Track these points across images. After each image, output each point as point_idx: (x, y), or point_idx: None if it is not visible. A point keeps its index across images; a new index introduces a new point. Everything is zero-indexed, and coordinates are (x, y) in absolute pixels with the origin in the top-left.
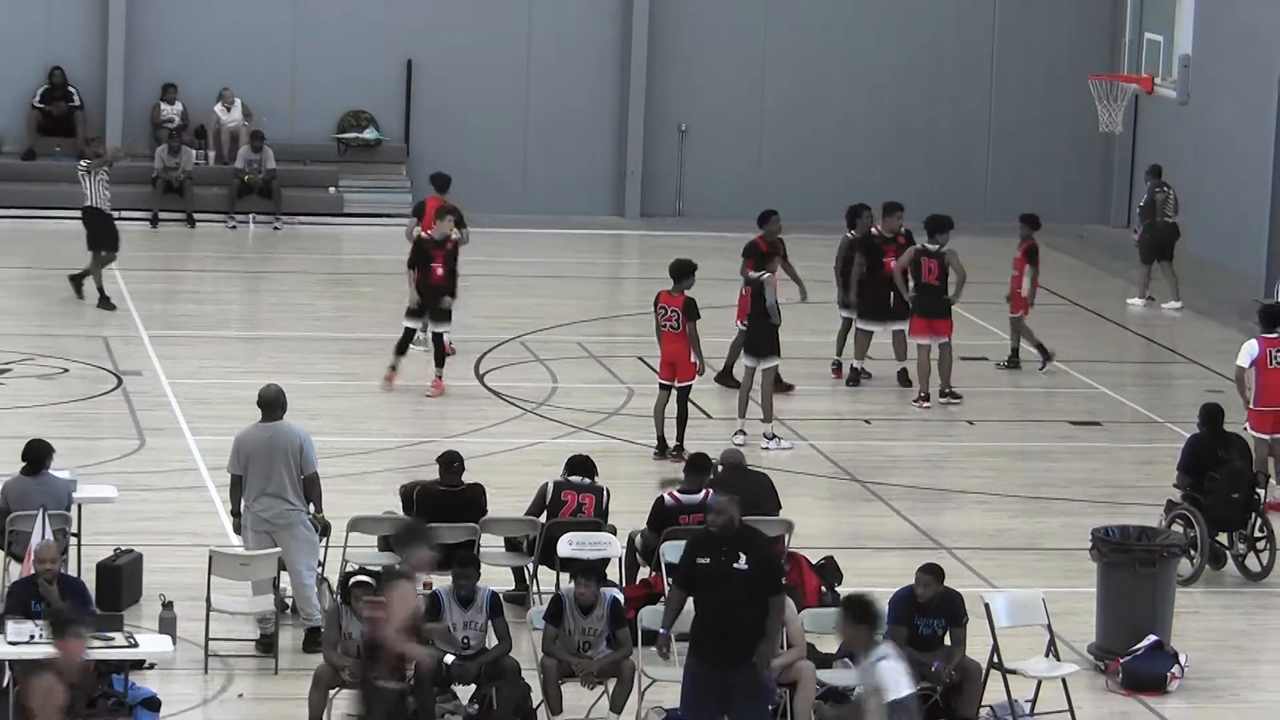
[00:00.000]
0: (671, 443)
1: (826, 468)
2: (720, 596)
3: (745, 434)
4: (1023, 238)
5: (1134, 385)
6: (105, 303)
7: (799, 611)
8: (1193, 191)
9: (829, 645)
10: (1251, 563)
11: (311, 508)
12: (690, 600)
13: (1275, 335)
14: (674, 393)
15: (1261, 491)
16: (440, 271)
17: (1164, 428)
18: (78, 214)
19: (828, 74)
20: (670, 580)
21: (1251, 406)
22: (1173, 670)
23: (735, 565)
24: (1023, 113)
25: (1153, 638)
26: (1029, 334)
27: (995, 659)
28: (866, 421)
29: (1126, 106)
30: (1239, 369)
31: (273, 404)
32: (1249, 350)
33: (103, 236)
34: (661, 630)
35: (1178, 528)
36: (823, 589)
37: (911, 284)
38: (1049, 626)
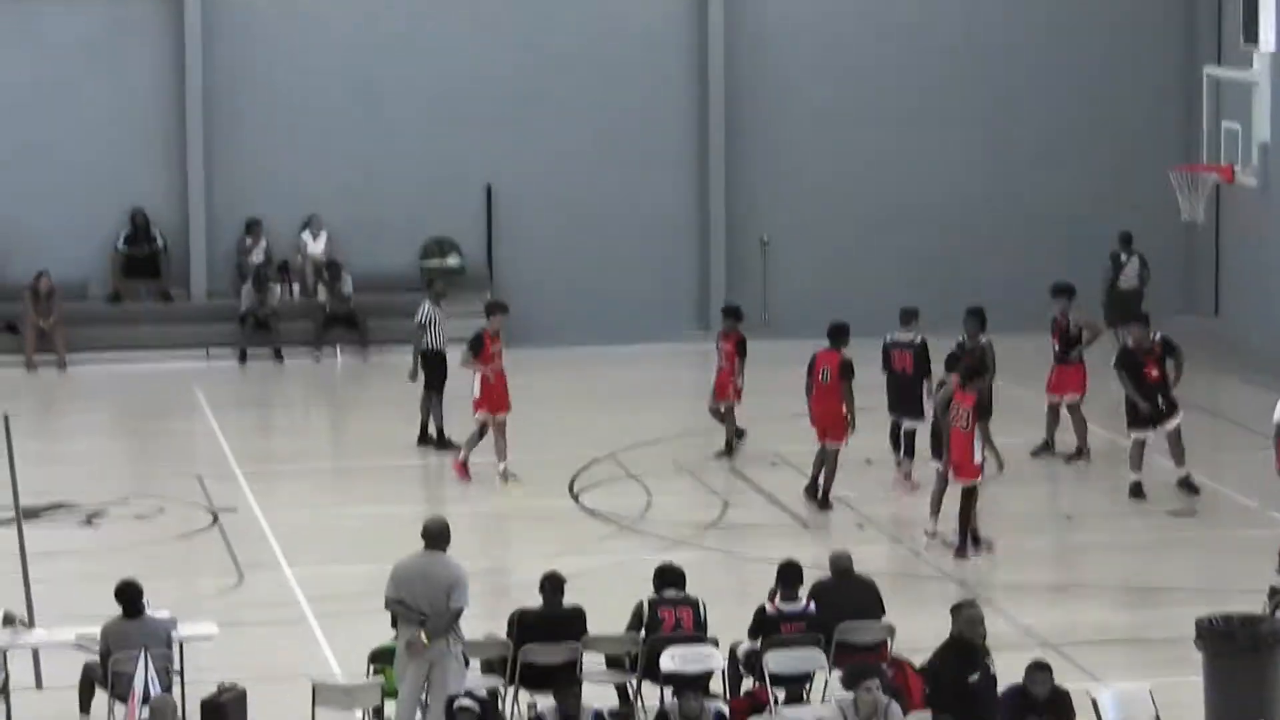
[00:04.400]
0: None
1: (930, 570)
2: (992, 707)
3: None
4: (727, 331)
5: (1229, 474)
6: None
7: (904, 716)
8: (1274, 278)
9: None
10: None
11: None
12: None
13: None
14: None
15: None
16: None
17: (1263, 515)
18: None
19: (907, 175)
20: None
21: None
22: None
23: (994, 673)
24: (1100, 204)
25: None
26: (732, 421)
27: None
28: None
29: (1208, 196)
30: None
31: (437, 536)
32: None
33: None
34: None
35: None
36: (927, 692)
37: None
38: (1158, 719)
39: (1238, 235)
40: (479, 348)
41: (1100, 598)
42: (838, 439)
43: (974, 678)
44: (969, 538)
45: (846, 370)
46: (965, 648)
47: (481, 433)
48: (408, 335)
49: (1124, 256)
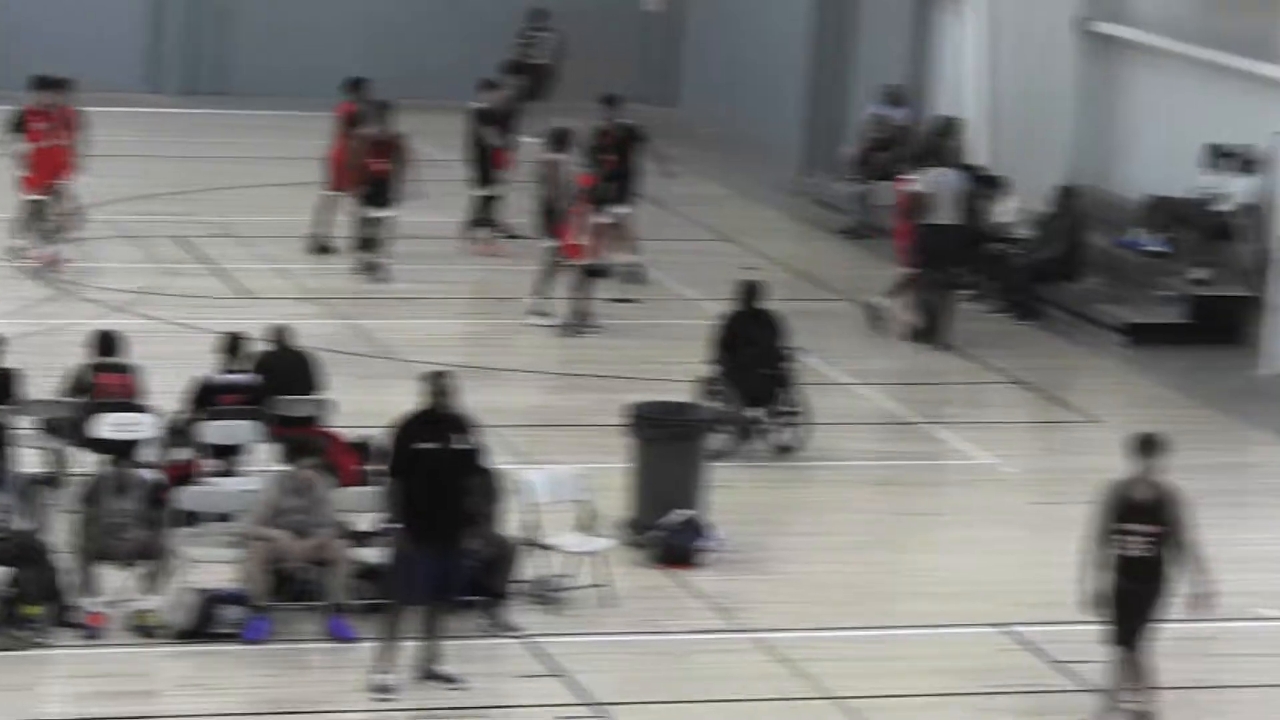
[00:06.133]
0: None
1: (367, 346)
2: (445, 479)
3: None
4: (49, 105)
5: (670, 263)
6: None
7: (334, 490)
8: (732, 71)
9: (364, 524)
10: (782, 437)
11: None
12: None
13: None
14: None
15: (793, 366)
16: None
17: (700, 304)
18: None
19: None
20: (387, 467)
21: None
22: (704, 543)
23: (458, 446)
24: None
25: (685, 512)
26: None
27: (531, 534)
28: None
29: None
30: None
31: None
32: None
33: None
34: (397, 525)
35: (711, 403)
36: (359, 468)
37: None
38: (584, 502)
39: (696, 25)
40: (18, 125)
41: (531, 381)
42: (340, 188)
43: (428, 446)
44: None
45: (353, 121)
46: (429, 417)
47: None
48: None
49: (537, 32)
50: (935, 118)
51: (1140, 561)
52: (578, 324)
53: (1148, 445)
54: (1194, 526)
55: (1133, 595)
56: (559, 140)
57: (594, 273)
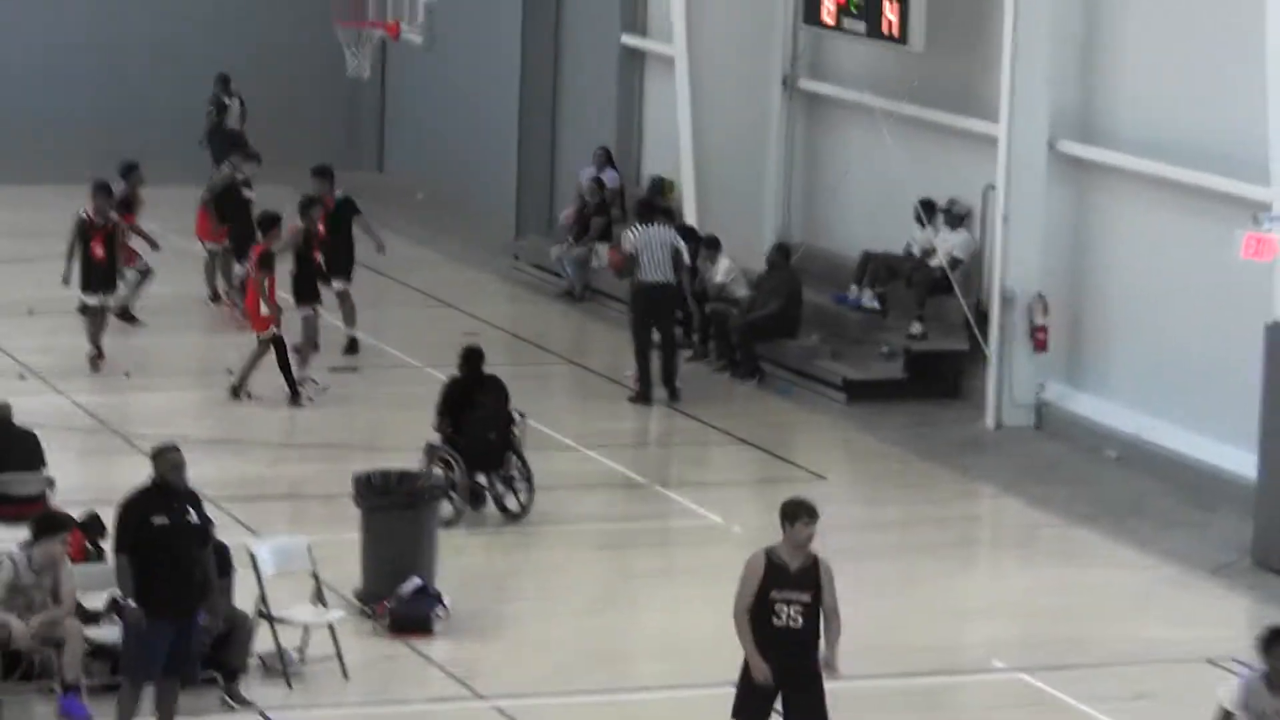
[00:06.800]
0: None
1: (88, 422)
2: (178, 553)
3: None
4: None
5: (389, 331)
6: None
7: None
8: (442, 136)
9: (95, 602)
10: (510, 502)
11: None
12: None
13: None
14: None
15: (518, 431)
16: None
17: (422, 371)
18: None
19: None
20: (115, 543)
21: None
22: (437, 611)
23: (189, 520)
24: (266, 58)
25: (417, 580)
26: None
27: (263, 607)
28: (126, 375)
29: (374, 52)
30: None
31: None
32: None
33: None
34: (133, 604)
35: (438, 470)
36: (87, 545)
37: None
38: (314, 573)
39: (402, 92)
40: None
41: (255, 452)
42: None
43: (160, 520)
44: (289, 384)
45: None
46: (160, 491)
47: None
48: None
49: (226, 99)
50: (648, 178)
51: (793, 632)
52: (295, 394)
53: (798, 510)
54: (836, 594)
55: (786, 665)
56: (308, 208)
57: (284, 342)
